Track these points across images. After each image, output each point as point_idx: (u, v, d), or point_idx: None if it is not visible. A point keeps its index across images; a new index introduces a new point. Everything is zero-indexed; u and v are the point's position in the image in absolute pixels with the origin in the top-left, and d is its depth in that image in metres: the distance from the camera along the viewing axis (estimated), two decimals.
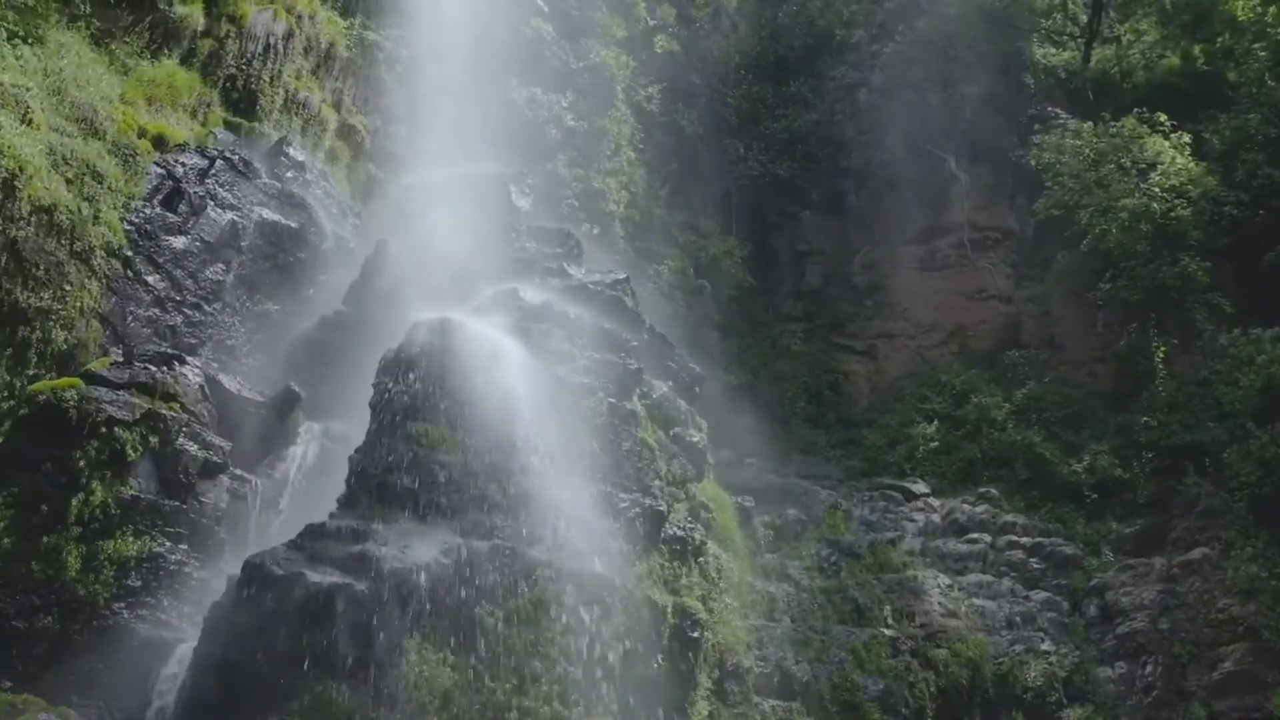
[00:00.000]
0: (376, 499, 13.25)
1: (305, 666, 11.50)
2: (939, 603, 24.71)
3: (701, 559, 16.45)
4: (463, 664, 12.12)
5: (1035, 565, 27.10)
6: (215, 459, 14.69)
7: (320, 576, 11.93)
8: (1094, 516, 28.49)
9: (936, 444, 31.95)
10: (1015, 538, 27.80)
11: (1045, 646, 24.50)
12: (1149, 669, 24.38)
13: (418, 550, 12.38)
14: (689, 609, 15.20)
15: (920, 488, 30.27)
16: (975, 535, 27.81)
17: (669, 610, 14.80)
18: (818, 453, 33.23)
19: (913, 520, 28.81)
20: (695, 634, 15.15)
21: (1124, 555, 26.99)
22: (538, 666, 12.64)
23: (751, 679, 20.20)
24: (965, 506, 29.02)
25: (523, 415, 14.03)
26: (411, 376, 13.91)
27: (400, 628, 11.89)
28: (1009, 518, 28.67)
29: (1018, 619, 25.15)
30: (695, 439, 17.59)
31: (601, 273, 18.53)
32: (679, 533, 15.67)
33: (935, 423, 32.46)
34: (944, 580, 25.57)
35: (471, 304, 15.93)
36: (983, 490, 29.67)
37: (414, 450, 13.42)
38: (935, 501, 29.69)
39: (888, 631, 23.22)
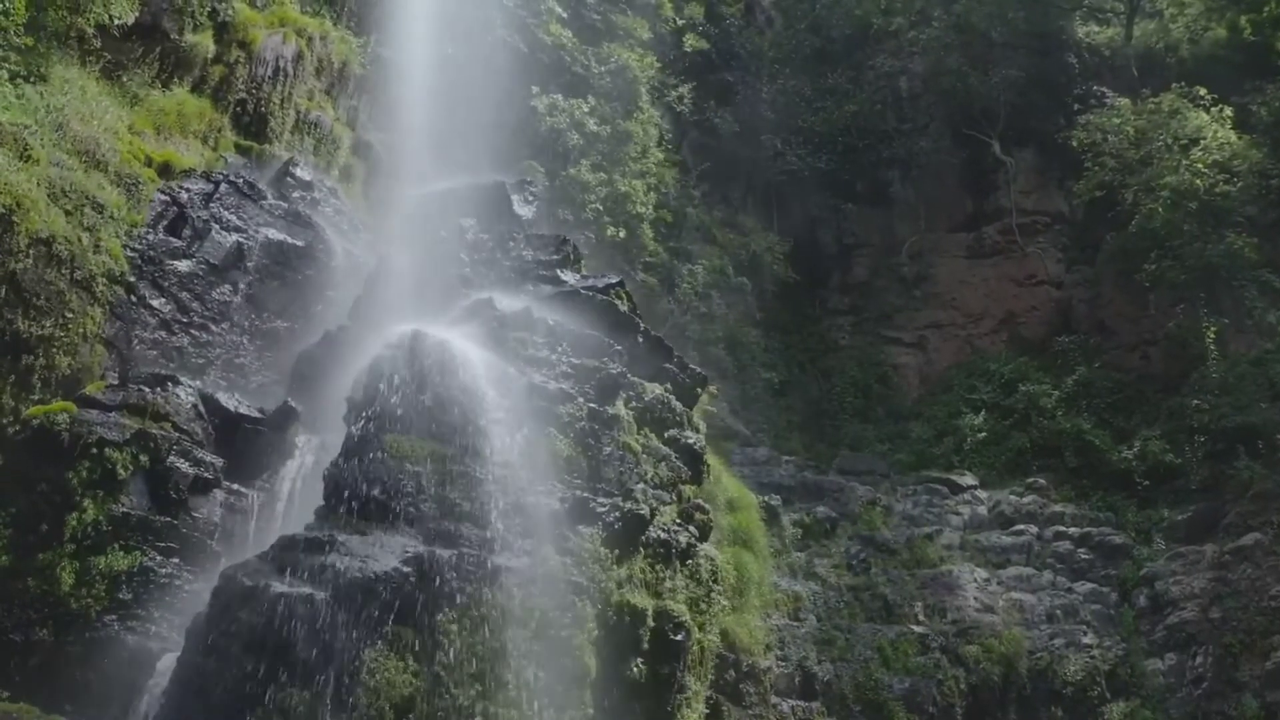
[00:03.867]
0: (348, 510, 13.53)
1: (267, 674, 11.83)
2: (974, 598, 24.37)
3: (690, 561, 16.44)
4: (424, 671, 12.33)
5: (1083, 556, 26.56)
6: (206, 475, 15.14)
7: (284, 586, 12.27)
8: (1145, 504, 27.88)
9: (985, 434, 31.49)
10: (1063, 528, 27.32)
11: (1087, 640, 24.01)
12: (1199, 660, 23.76)
13: (380, 559, 12.65)
14: (672, 612, 15.20)
15: (967, 480, 29.81)
16: (1021, 527, 27.38)
17: (649, 614, 14.83)
18: (866, 447, 32.92)
19: (958, 513, 28.41)
20: (678, 637, 15.14)
21: (1176, 543, 26.31)
22: (503, 673, 12.80)
23: (770, 679, 20.19)
24: (1012, 498, 28.54)
25: (494, 423, 14.22)
26: (382, 389, 14.20)
27: (360, 636, 12.16)
28: (1057, 508, 28.15)
29: (1058, 612, 24.68)
30: (691, 441, 17.56)
31: (594, 277, 18.63)
32: (663, 535, 15.68)
33: (983, 413, 32.00)
34: (981, 574, 25.21)
35: (449, 315, 16.18)
36: (1031, 480, 29.19)
37: (384, 461, 13.69)
38: (982, 493, 29.24)
39: (917, 628, 22.98)
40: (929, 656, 22.29)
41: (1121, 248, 31.58)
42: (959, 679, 22.08)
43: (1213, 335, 28.50)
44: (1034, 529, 27.42)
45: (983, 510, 28.53)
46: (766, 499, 24.06)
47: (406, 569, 12.61)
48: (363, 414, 14.13)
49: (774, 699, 19.93)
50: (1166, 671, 23.89)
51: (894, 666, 21.80)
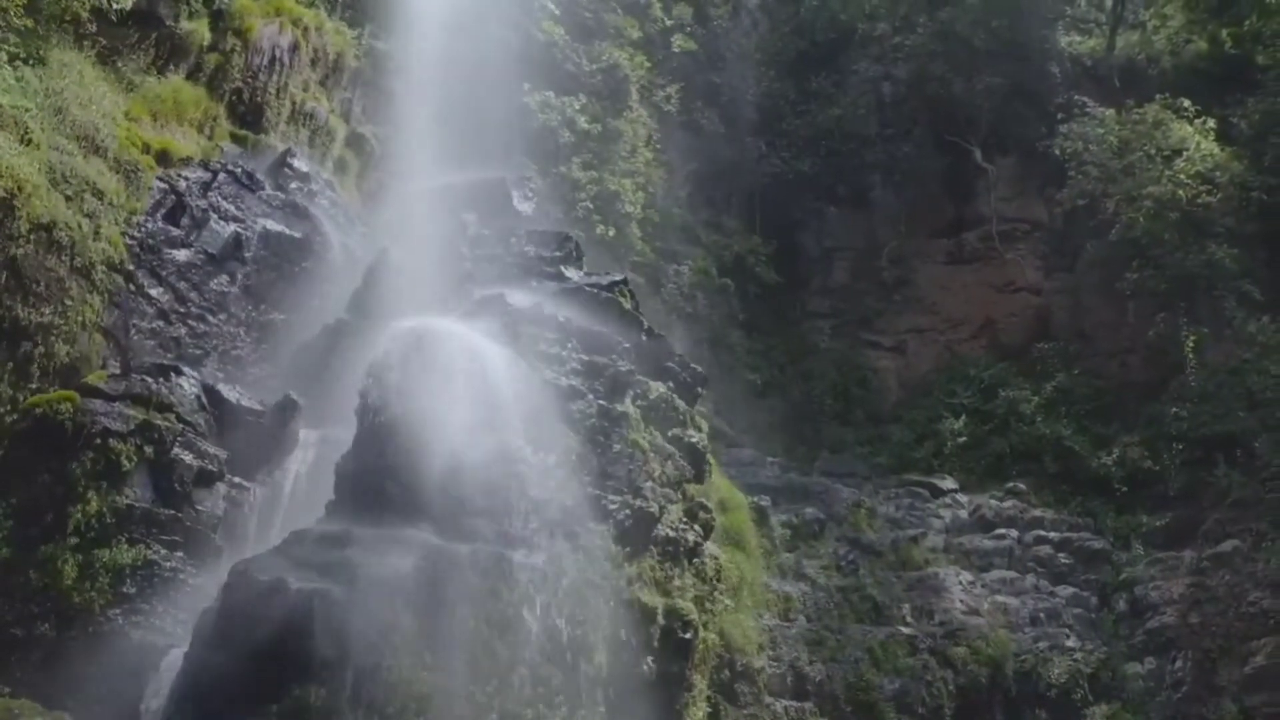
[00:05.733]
0: (361, 504, 13.41)
1: (284, 670, 11.67)
2: (960, 600, 24.52)
3: (697, 560, 16.45)
4: (442, 667, 12.22)
5: (1063, 560, 26.79)
6: (211, 468, 14.94)
7: (300, 582, 12.08)
8: (1124, 509, 28.15)
9: (965, 439, 31.67)
10: (1043, 533, 27.51)
11: (1070, 643, 24.21)
12: (1179, 664, 24.02)
13: (397, 555, 12.51)
14: (680, 610, 15.21)
15: (948, 483, 30.00)
16: (1002, 531, 27.55)
17: (659, 612, 14.82)
18: (846, 450, 33.00)
19: (939, 517, 28.57)
20: (687, 635, 15.15)
21: (1154, 548, 26.59)
22: (521, 670, 12.73)
23: (763, 679, 20.19)
24: (993, 502, 28.74)
25: (507, 418, 14.13)
26: (393, 383, 14.05)
27: (378, 632, 12.01)
28: (1037, 512, 28.36)
29: (1042, 615, 24.88)
30: (694, 439, 17.57)
31: (598, 274, 18.59)
32: (671, 534, 15.69)
33: (963, 417, 32.19)
34: (966, 577, 25.36)
35: (459, 309, 16.05)
36: (1011, 485, 29.40)
37: (398, 455, 13.57)
38: (963, 497, 29.42)
39: (906, 630, 23.07)
40: (918, 658, 22.36)
41: (1102, 256, 31.90)
42: (947, 680, 22.18)
43: (1192, 344, 28.85)
44: (1014, 533, 27.59)
45: (963, 514, 28.71)
46: (756, 500, 24.06)
47: (425, 564, 12.49)
48: (376, 407, 13.96)
49: (768, 699, 19.91)
50: (1146, 675, 24.11)
51: (884, 667, 21.85)
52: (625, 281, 18.51)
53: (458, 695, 12.23)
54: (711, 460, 19.25)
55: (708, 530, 17.40)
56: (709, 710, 17.07)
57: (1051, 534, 27.44)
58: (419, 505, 13.36)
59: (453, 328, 14.54)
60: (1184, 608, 24.73)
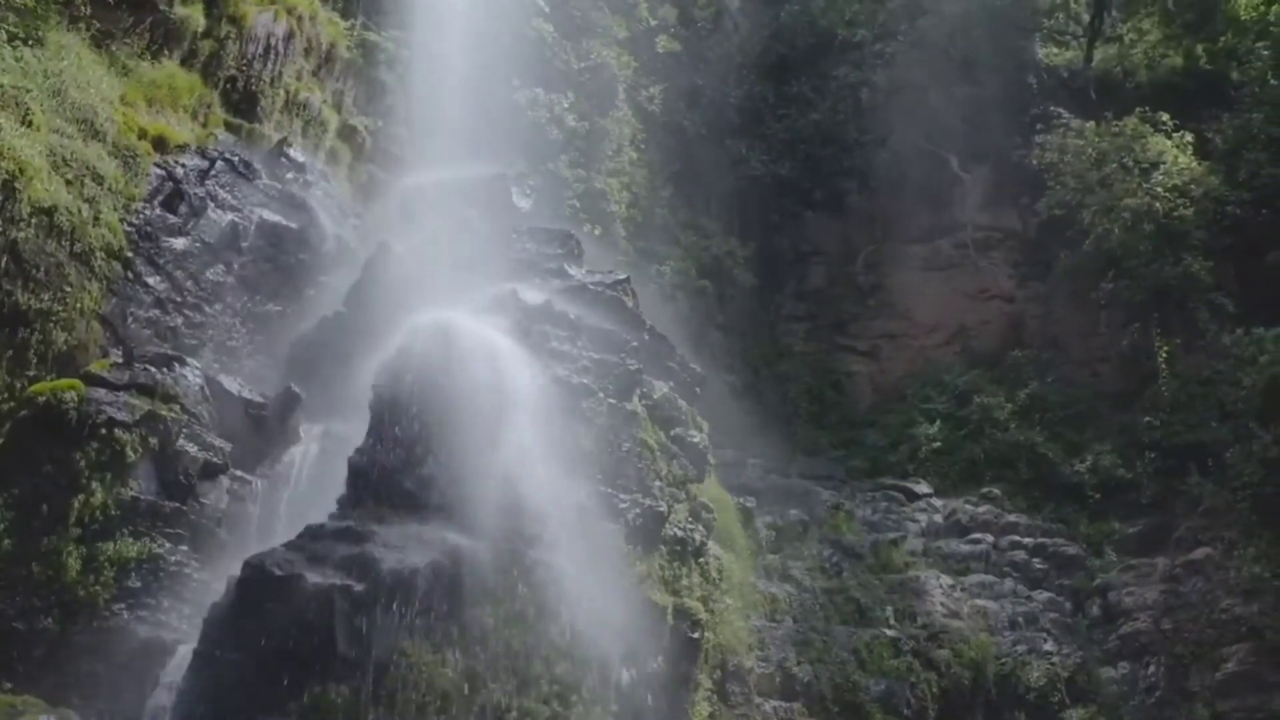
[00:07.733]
0: (375, 500, 13.26)
1: (304, 667, 11.51)
2: (941, 603, 24.71)
3: (702, 560, 16.47)
4: (462, 665, 12.13)
5: (1038, 566, 27.07)
6: (215, 460, 14.71)
7: (319, 577, 11.94)
8: (1097, 516, 28.44)
9: (939, 444, 31.88)
10: (1018, 538, 27.78)
11: (1048, 647, 24.46)
12: (1152, 669, 24.33)
13: (416, 551, 12.39)
14: (689, 610, 15.22)
15: (923, 488, 30.21)
16: (978, 535, 27.78)
17: (669, 611, 14.82)
18: (820, 453, 33.16)
19: (915, 520, 28.77)
20: (695, 635, 15.17)
21: (1127, 555, 26.93)
22: (537, 667, 12.66)
23: (753, 680, 20.19)
24: (968, 507, 28.98)
25: (521, 416, 14.05)
26: (409, 378, 13.91)
27: (399, 628, 11.91)
28: (1011, 518, 28.63)
29: (1020, 619, 25.12)
30: (696, 439, 17.60)
31: (602, 273, 18.54)
32: (679, 533, 15.70)
33: (938, 423, 32.41)
34: (946, 581, 25.55)
35: (471, 305, 15.91)
36: (985, 490, 29.62)
37: (413, 451, 13.43)
38: (938, 502, 29.65)
39: (890, 632, 23.20)
40: (902, 660, 22.46)
41: (1075, 266, 32.27)
42: (931, 682, 22.31)
43: (1165, 355, 29.31)
44: (990, 538, 27.84)
45: (939, 518, 28.93)
46: (741, 500, 24.09)
47: (445, 561, 12.38)
48: (391, 401, 13.79)
49: (757, 699, 19.90)
50: (1120, 680, 24.36)
51: (870, 669, 21.94)
52: (628, 280, 18.48)
53: (478, 692, 12.12)
54: (712, 460, 19.27)
55: (709, 530, 17.41)
56: (711, 710, 17.08)
57: (1026, 539, 27.72)
58: (435, 501, 13.24)
59: (471, 323, 14.41)
60: (1157, 614, 25.05)
